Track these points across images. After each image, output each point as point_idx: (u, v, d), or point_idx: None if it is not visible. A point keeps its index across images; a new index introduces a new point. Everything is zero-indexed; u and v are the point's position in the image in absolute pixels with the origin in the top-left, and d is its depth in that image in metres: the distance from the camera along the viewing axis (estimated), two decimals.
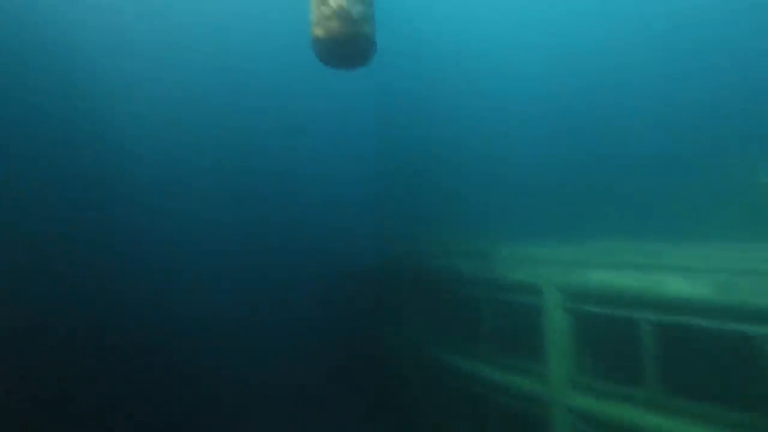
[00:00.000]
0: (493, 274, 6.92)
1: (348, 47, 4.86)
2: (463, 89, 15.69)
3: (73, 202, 10.45)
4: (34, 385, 8.50)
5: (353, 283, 10.76)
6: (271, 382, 9.95)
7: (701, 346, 4.49)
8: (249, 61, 15.42)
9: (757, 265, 3.85)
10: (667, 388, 4.67)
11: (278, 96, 15.75)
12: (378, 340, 9.62)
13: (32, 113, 10.66)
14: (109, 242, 10.68)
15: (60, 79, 11.40)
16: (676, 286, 4.34)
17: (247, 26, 15.41)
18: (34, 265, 9.29)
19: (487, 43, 16.72)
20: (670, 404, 4.59)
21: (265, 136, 15.04)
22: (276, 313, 11.52)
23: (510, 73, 15.73)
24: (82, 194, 10.76)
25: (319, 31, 4.72)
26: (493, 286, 6.94)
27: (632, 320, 4.98)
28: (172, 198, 12.43)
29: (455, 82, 15.93)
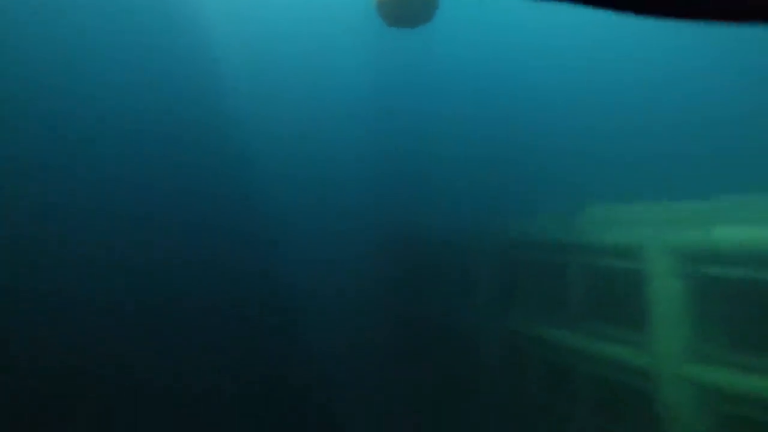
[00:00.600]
0: (584, 237, 6.32)
1: (412, 6, 5.01)
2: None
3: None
4: None
5: (443, 256, 10.27)
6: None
7: None
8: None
9: None
10: None
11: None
12: (463, 313, 9.14)
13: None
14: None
15: None
16: None
17: None
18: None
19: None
20: None
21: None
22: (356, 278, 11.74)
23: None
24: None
25: None
26: (587, 250, 6.34)
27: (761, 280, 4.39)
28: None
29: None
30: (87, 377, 8.65)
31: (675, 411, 5.25)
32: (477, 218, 9.34)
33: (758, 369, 4.51)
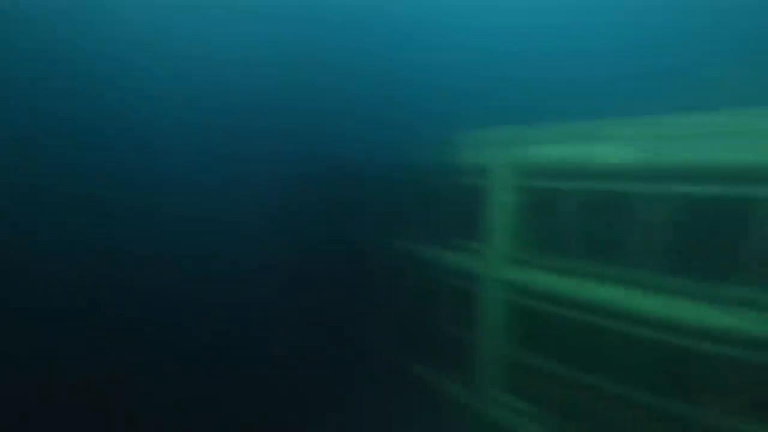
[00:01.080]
0: (452, 160, 7.13)
1: None
2: None
3: None
4: None
5: (330, 181, 11.09)
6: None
7: (634, 211, 5.26)
8: None
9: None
10: (602, 257, 5.59)
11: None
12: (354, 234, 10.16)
13: None
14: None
15: None
16: (612, 153, 5.05)
17: None
18: None
19: None
20: (606, 272, 5.55)
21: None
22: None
23: None
24: None
25: None
26: (453, 171, 7.25)
27: (572, 191, 5.66)
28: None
29: None
30: None
31: (489, 306, 6.73)
32: (363, 148, 9.94)
33: (563, 270, 5.90)
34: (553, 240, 6.32)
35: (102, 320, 9.71)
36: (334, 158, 10.88)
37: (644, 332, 5.46)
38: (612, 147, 5.11)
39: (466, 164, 6.75)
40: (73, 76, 10.44)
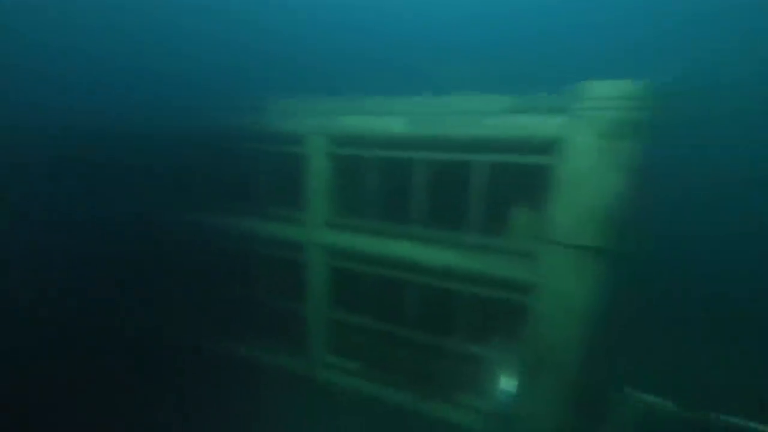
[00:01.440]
0: (265, 127, 6.98)
1: None
2: None
3: None
4: None
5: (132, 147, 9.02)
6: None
7: (412, 176, 6.10)
8: None
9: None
10: (395, 217, 6.34)
11: None
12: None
13: None
14: None
15: None
16: (388, 124, 5.87)
17: None
18: None
19: None
20: (398, 230, 6.30)
21: None
22: None
23: None
24: None
25: None
26: (266, 139, 7.16)
27: (370, 158, 6.30)
28: None
29: None
30: None
31: (310, 272, 6.90)
32: (171, 112, 8.46)
33: (376, 231, 6.37)
34: (359, 203, 6.79)
35: None
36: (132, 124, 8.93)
37: (428, 280, 6.06)
38: (397, 120, 5.73)
39: (279, 132, 6.84)
40: None
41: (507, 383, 5.84)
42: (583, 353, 5.19)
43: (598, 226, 4.63)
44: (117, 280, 9.21)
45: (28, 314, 9.55)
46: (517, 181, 5.79)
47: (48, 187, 9.43)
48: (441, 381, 6.69)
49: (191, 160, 7.86)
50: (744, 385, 5.96)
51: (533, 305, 5.34)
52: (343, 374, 7.32)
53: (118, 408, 6.61)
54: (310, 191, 6.71)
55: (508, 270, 5.52)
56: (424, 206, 6.10)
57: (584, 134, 4.56)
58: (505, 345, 6.18)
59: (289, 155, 6.99)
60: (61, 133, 8.94)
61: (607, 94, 4.41)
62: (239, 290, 8.00)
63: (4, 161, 9.54)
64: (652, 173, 5.50)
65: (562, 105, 4.69)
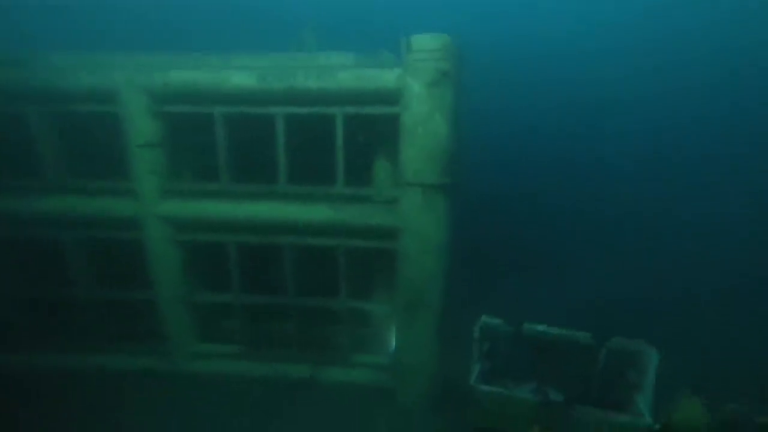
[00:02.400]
0: (47, 83, 5.46)
1: None
2: None
3: None
4: None
5: None
6: None
7: (259, 131, 5.79)
8: None
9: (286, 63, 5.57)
10: (241, 176, 5.98)
11: None
12: None
13: None
14: None
15: None
16: (237, 79, 5.48)
17: None
18: None
19: None
20: (248, 190, 5.98)
21: None
22: None
23: None
24: None
25: None
26: (51, 97, 5.54)
27: (208, 115, 5.77)
28: None
29: None
30: None
31: (157, 251, 6.11)
32: None
33: (212, 194, 5.97)
34: (203, 166, 6.30)
35: None
36: None
37: (296, 240, 6.17)
38: (239, 74, 5.45)
39: (78, 89, 5.61)
40: None
41: (392, 333, 6.25)
42: (445, 288, 5.88)
43: (439, 165, 5.40)
44: None
45: None
46: (370, 131, 6.17)
47: None
48: (331, 345, 6.71)
49: None
50: (565, 298, 7.93)
51: (401, 249, 5.62)
52: (221, 361, 6.78)
53: None
54: (135, 157, 5.75)
55: (376, 218, 5.71)
56: (279, 163, 5.78)
57: (415, 84, 5.15)
58: (386, 295, 6.57)
59: (98, 116, 5.73)
60: None
61: (429, 46, 5.03)
62: (65, 287, 6.45)
63: None
64: (474, 115, 6.52)
65: (398, 58, 5.18)
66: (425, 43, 5.05)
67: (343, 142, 5.64)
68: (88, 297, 6.65)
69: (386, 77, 5.25)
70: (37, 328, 6.92)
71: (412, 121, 5.25)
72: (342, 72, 5.33)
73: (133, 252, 6.33)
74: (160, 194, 5.97)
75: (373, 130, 6.01)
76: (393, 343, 6.26)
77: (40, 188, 6.06)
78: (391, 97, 5.32)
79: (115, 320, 6.95)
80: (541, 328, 4.84)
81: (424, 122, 5.23)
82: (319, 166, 6.13)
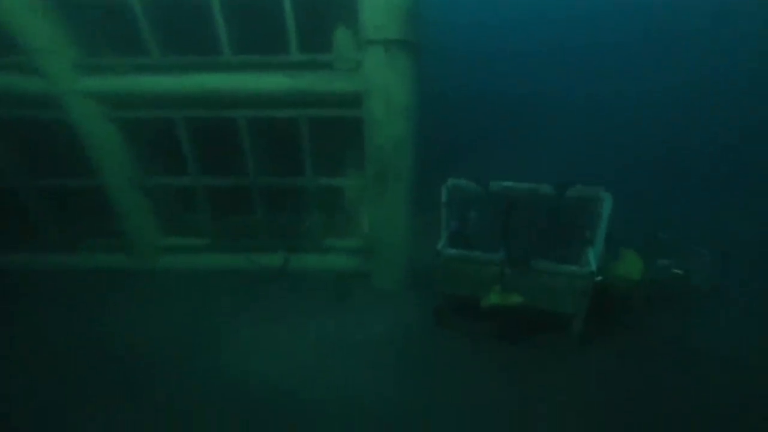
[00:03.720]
0: None
1: None
2: None
3: None
4: None
5: None
6: None
7: None
8: None
9: None
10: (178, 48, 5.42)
11: None
12: None
13: None
14: None
15: None
16: None
17: None
18: None
19: None
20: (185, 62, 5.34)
21: None
22: None
23: None
24: None
25: None
26: None
27: None
28: None
29: None
30: None
31: (86, 130, 5.60)
32: None
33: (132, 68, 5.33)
34: (125, 33, 5.53)
35: None
36: None
37: (254, 113, 5.73)
38: None
39: None
40: None
41: (364, 211, 6.11)
42: (415, 154, 5.96)
43: (401, 19, 4.87)
44: None
45: None
46: None
47: None
48: (302, 230, 6.54)
49: None
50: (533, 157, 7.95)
51: (367, 115, 5.26)
52: (189, 255, 6.54)
53: None
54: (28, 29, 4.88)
55: (338, 83, 5.35)
56: (220, 32, 5.13)
57: None
58: (355, 169, 6.31)
59: None
60: None
61: None
62: None
63: None
64: None
65: None
66: None
67: (293, 3, 4.96)
68: (26, 188, 6.10)
69: None
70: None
71: None
72: None
73: (66, 136, 5.70)
74: (74, 70, 5.22)
75: None
76: (366, 222, 6.24)
77: None
78: None
79: (70, 215, 6.53)
80: (507, 183, 4.85)
81: None
82: (271, 33, 5.45)
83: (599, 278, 4.51)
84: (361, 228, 6.45)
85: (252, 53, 5.36)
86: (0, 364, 4.61)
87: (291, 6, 5.01)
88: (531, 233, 5.00)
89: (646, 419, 3.69)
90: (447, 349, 4.81)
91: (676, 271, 5.61)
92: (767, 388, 4.02)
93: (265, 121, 5.83)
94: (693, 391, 3.97)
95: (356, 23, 5.07)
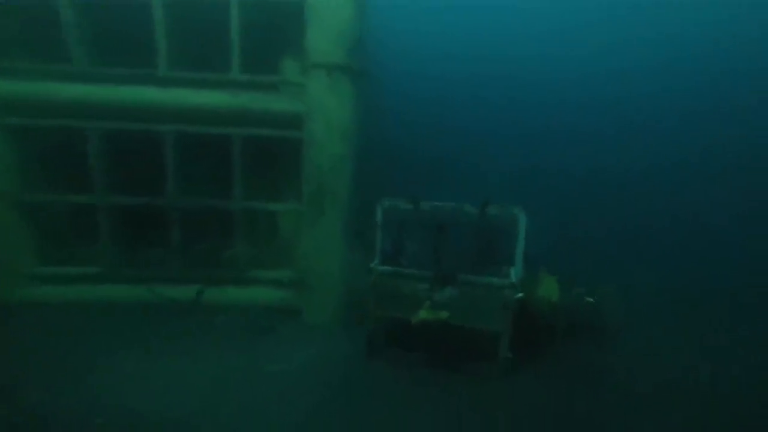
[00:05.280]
0: None
1: None
2: None
3: None
4: None
5: None
6: None
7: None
8: None
9: None
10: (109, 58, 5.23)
11: None
12: None
13: None
14: None
15: None
16: None
17: None
18: None
19: None
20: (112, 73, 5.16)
21: None
22: None
23: None
24: None
25: None
26: None
27: None
28: None
29: None
30: None
31: None
32: None
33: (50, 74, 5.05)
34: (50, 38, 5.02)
35: None
36: None
37: (184, 128, 5.37)
38: None
39: None
40: None
41: (297, 238, 5.92)
42: (353, 171, 5.95)
43: (346, 45, 5.25)
44: None
45: None
46: (271, 13, 5.74)
47: None
48: (224, 259, 5.85)
49: None
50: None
51: (306, 137, 5.25)
52: (78, 285, 5.47)
53: None
54: None
55: (278, 103, 5.43)
56: (159, 45, 5.08)
57: None
58: (289, 194, 6.29)
59: None
60: None
61: None
62: None
63: None
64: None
65: None
66: None
67: (240, 24, 5.17)
68: None
69: None
70: None
71: (317, 1, 5.06)
72: None
73: None
74: None
75: (276, 12, 5.61)
76: (299, 251, 5.76)
77: None
78: None
79: None
80: (434, 203, 4.93)
81: (329, 1, 5.07)
82: (213, 51, 5.47)
83: (520, 294, 4.56)
84: (292, 258, 5.90)
85: (192, 70, 5.25)
86: None
87: (238, 25, 5.15)
88: (459, 252, 5.04)
89: None
90: (375, 380, 4.26)
91: (588, 299, 5.89)
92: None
93: (194, 138, 5.48)
94: (614, 423, 3.80)
95: (302, 47, 5.31)
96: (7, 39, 5.20)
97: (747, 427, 3.74)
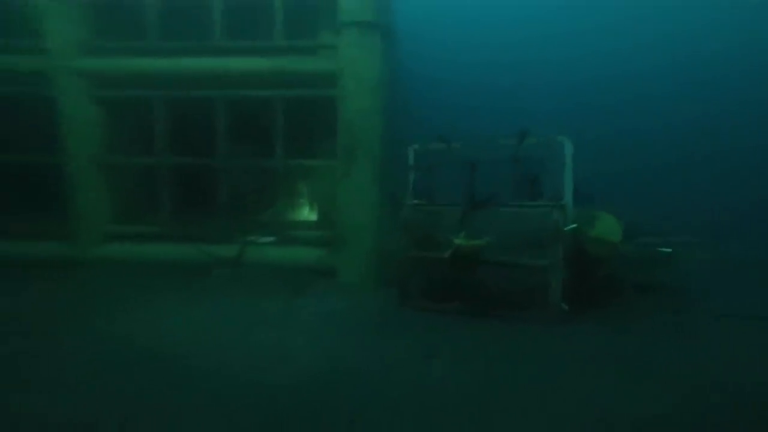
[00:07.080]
0: None
1: None
2: None
3: None
4: None
5: None
6: None
7: None
8: None
9: None
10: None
11: None
12: None
13: None
14: None
15: None
16: None
17: None
18: None
19: None
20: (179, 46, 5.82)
21: None
22: None
23: None
24: None
25: None
26: None
27: None
28: None
29: None
30: None
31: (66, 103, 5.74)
32: None
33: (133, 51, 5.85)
34: (129, 20, 5.90)
35: None
36: None
37: (231, 93, 5.93)
38: None
39: None
40: None
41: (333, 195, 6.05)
42: (383, 125, 6.13)
43: (373, 3, 5.52)
44: None
45: None
46: None
47: None
48: (265, 219, 6.29)
49: None
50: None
51: (339, 94, 5.48)
52: (139, 244, 5.97)
53: None
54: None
55: (313, 63, 5.70)
56: (215, 19, 5.74)
57: None
58: (325, 152, 6.60)
59: None
60: None
61: None
62: None
63: None
64: None
65: None
66: None
67: None
68: None
69: None
70: None
71: None
72: None
73: (38, 112, 5.71)
74: (77, 49, 5.65)
75: None
76: (333, 211, 5.96)
77: None
78: None
79: (18, 195, 6.12)
80: (468, 140, 4.80)
81: None
82: (259, 21, 6.02)
83: (573, 225, 4.18)
84: (328, 217, 6.17)
85: (240, 39, 5.81)
86: None
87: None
88: (495, 190, 4.76)
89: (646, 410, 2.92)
90: (407, 321, 4.11)
91: (663, 249, 5.22)
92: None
93: (240, 103, 6.01)
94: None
95: (335, 11, 5.64)
96: (98, 22, 6.07)
97: None
